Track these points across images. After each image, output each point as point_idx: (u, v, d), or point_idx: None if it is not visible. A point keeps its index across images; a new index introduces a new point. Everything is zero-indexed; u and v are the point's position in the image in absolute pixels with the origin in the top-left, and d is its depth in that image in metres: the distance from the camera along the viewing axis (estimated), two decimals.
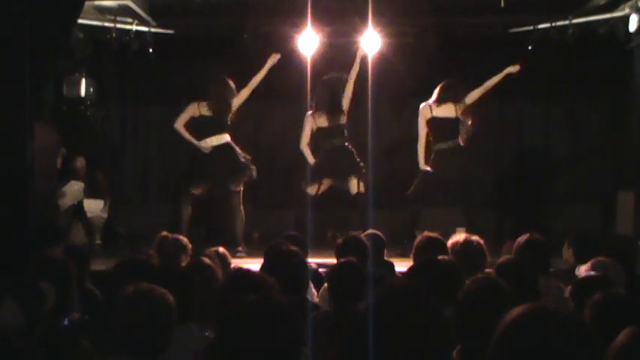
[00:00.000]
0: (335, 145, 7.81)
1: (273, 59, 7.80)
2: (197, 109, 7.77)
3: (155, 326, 2.70)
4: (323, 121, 7.83)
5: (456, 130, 7.71)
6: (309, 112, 7.90)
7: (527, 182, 9.68)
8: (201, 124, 7.80)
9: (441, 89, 7.72)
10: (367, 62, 7.85)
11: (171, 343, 2.77)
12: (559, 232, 6.00)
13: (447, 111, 7.68)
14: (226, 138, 7.82)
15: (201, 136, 7.78)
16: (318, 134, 7.88)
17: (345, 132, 7.87)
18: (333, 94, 7.82)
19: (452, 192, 7.76)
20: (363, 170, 7.77)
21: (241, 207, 7.76)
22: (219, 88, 7.80)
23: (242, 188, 7.81)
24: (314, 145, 7.95)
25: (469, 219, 7.61)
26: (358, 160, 7.83)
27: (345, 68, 7.91)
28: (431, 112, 7.70)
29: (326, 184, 7.91)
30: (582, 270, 4.58)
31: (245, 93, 7.86)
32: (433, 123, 7.70)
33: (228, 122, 7.84)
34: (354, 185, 7.76)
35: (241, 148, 7.91)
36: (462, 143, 7.72)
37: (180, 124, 7.77)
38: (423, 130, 7.72)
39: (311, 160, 7.86)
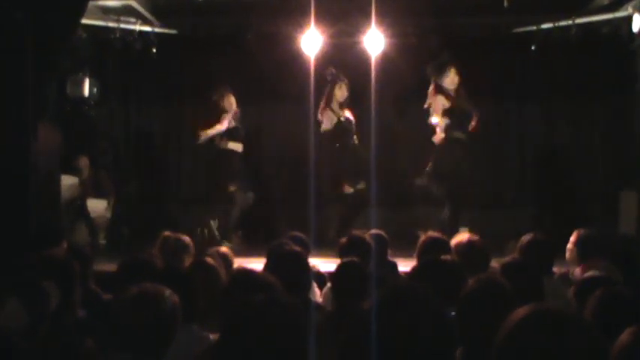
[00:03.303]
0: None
1: None
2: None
3: (160, 326, 2.70)
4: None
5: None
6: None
7: (529, 183, 9.68)
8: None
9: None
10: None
11: (173, 343, 2.77)
12: (561, 233, 5.98)
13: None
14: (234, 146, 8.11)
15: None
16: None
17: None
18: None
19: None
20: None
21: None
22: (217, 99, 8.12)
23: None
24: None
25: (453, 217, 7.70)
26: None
27: (347, 68, 7.90)
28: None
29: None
30: (577, 272, 4.58)
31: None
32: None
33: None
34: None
35: (244, 150, 7.95)
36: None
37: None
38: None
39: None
